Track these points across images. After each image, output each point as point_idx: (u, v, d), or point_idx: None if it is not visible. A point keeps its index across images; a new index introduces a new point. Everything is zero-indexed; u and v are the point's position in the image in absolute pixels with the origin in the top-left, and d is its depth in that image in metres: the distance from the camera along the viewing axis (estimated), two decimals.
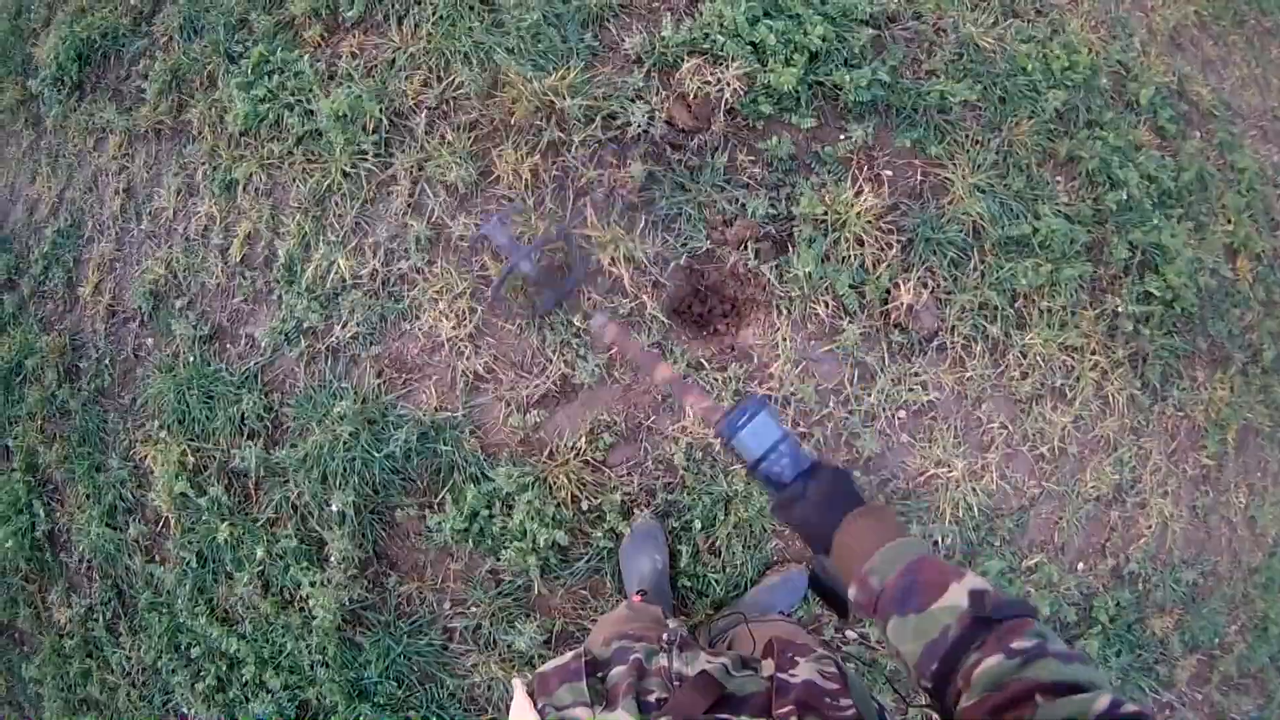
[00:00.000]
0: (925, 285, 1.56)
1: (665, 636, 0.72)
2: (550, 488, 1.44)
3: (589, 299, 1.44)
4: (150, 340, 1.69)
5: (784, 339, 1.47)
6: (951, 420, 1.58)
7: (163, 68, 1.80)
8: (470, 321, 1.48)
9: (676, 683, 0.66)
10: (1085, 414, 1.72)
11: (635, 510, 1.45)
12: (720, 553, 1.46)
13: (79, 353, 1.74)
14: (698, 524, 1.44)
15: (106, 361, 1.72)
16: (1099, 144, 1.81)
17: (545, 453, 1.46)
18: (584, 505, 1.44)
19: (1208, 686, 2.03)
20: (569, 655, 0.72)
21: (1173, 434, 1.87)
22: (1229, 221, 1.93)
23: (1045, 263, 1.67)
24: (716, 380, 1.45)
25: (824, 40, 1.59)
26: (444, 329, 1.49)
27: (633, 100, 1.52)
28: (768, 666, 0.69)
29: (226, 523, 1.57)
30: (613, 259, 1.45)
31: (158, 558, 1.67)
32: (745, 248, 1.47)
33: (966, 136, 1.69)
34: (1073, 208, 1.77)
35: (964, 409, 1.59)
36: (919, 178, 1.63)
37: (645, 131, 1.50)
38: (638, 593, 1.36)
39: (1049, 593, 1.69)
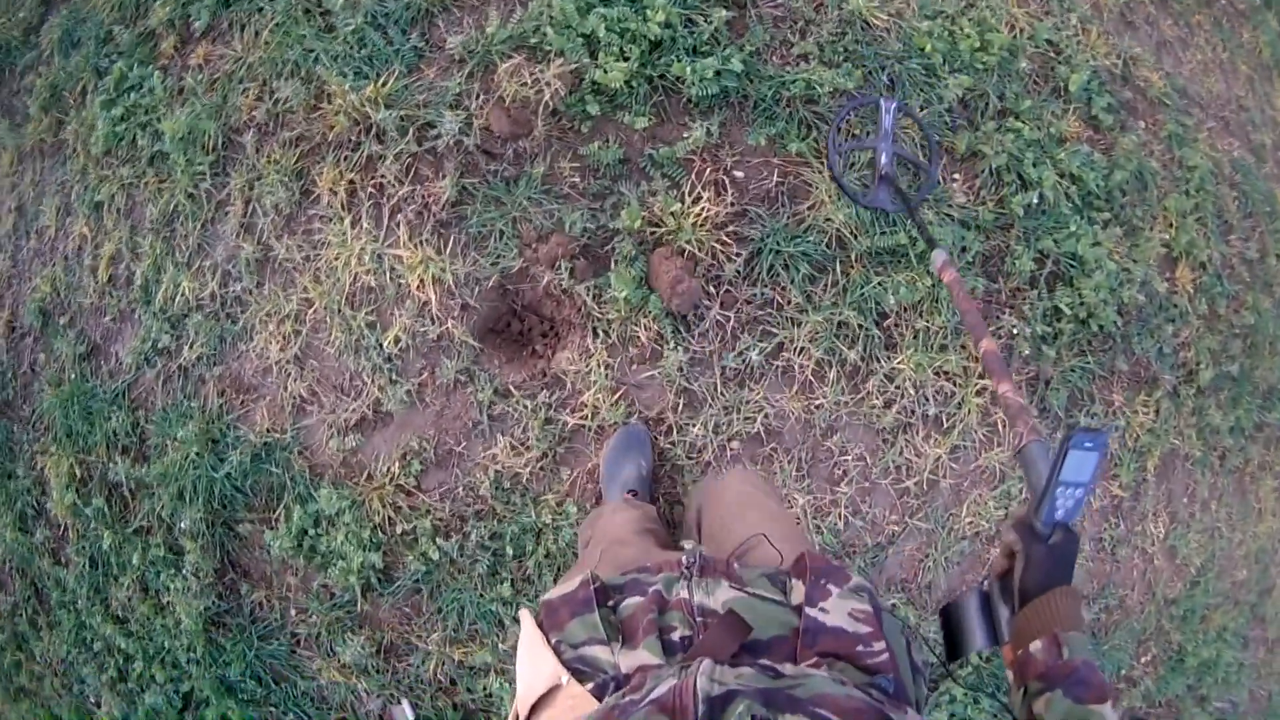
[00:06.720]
0: (769, 302, 1.43)
1: (684, 560, 0.67)
2: (367, 510, 1.46)
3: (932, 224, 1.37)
4: (42, 356, 1.80)
5: (600, 364, 1.39)
6: (795, 451, 1.47)
7: (44, 83, 1.84)
8: (294, 344, 1.49)
9: (700, 618, 0.62)
10: (966, 444, 1.56)
11: (449, 534, 1.45)
12: (533, 580, 1.44)
13: None
14: (509, 550, 1.43)
15: (10, 375, 1.85)
16: (1010, 137, 1.57)
17: (364, 475, 1.47)
18: (399, 529, 1.45)
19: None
20: (576, 581, 0.67)
21: None
22: (1170, 226, 1.64)
23: (923, 277, 1.49)
24: (525, 408, 1.40)
25: (667, 27, 1.43)
26: (272, 352, 1.51)
27: (452, 107, 1.44)
28: (797, 590, 0.65)
29: (109, 531, 1.69)
30: (420, 281, 1.40)
31: (61, 560, 1.82)
32: (558, 266, 1.38)
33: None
34: (970, 211, 1.55)
35: (812, 439, 1.47)
36: (775, 179, 1.47)
37: (459, 141, 1.42)
38: (629, 492, 1.30)
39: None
